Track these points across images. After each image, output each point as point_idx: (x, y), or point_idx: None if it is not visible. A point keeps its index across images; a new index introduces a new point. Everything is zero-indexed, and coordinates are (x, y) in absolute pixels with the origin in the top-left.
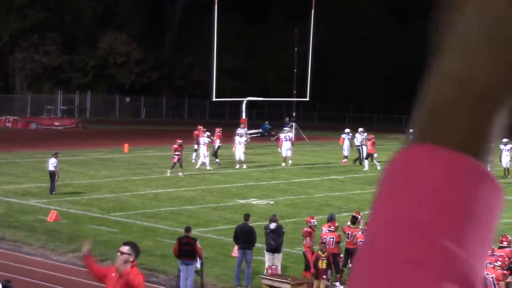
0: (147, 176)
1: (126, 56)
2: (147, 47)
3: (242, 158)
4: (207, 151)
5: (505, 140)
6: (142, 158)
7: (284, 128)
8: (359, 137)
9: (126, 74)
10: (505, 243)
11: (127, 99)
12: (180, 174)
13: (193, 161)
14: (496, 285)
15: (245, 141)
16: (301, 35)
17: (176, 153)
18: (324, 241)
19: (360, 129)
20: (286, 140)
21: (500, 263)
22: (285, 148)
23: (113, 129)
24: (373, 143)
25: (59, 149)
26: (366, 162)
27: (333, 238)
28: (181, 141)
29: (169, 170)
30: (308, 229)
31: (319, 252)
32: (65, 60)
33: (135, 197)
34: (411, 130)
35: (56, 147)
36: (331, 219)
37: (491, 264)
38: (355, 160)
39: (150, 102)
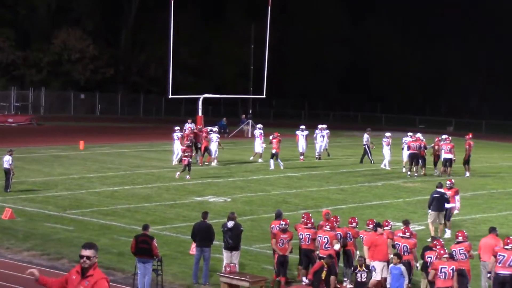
0: (103, 174)
1: (81, 52)
2: (102, 43)
3: (216, 154)
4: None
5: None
6: (98, 155)
7: (257, 126)
8: (365, 136)
9: (81, 70)
10: (460, 237)
11: (82, 96)
12: (188, 177)
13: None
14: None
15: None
16: (258, 32)
17: (186, 154)
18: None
19: (368, 129)
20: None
21: (465, 253)
22: (259, 144)
23: (68, 126)
24: (279, 141)
25: (13, 146)
26: (271, 162)
27: (309, 234)
28: (189, 142)
29: (179, 173)
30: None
31: (324, 262)
32: (19, 56)
33: (91, 194)
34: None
35: (10, 144)
36: (279, 216)
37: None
38: (361, 159)
39: (105, 98)
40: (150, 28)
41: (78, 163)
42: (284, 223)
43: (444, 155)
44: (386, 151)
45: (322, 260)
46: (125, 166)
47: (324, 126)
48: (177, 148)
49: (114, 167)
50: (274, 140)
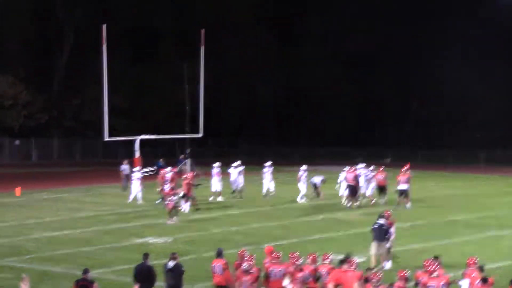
0: (41, 219)
1: (14, 99)
2: (35, 89)
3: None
4: (139, 186)
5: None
6: (35, 201)
7: (215, 164)
8: (319, 178)
9: (15, 117)
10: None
11: (17, 142)
12: (169, 222)
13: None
14: None
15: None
16: (191, 71)
17: (169, 198)
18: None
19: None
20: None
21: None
22: (216, 182)
23: (3, 173)
24: (188, 184)
25: None
26: (183, 203)
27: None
28: (173, 185)
29: (169, 219)
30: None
31: None
32: None
33: (29, 241)
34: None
35: None
36: (219, 254)
37: None
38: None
39: (41, 144)
40: (83, 72)
41: (15, 209)
42: (247, 264)
43: (400, 186)
44: (302, 185)
45: None
46: (64, 211)
47: (239, 162)
48: (134, 188)
49: (52, 212)
50: (184, 182)
